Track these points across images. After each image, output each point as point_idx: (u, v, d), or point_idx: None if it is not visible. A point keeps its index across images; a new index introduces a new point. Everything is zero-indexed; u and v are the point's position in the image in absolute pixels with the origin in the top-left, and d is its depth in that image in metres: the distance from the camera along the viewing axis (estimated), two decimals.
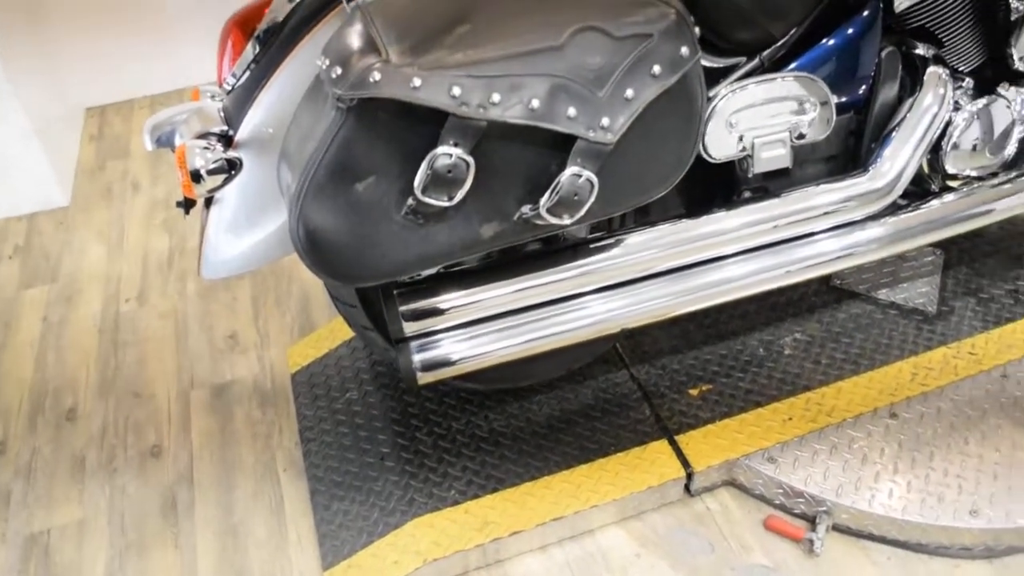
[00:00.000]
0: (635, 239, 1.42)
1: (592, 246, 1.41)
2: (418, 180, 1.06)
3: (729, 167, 1.46)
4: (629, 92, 1.07)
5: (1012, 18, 1.51)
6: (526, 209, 1.13)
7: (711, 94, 1.37)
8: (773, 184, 1.50)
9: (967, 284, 1.88)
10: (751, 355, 1.73)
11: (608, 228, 1.48)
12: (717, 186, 1.51)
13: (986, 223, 1.63)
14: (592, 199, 1.12)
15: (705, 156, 1.38)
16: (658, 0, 1.09)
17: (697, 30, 1.13)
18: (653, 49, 1.07)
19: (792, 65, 1.43)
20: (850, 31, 1.45)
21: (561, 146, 1.09)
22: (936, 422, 1.61)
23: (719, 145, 1.38)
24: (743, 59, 1.40)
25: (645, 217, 1.50)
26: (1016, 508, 1.47)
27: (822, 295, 1.86)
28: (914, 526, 1.48)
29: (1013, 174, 1.64)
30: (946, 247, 1.95)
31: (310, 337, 1.92)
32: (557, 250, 1.42)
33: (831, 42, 1.44)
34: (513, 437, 1.63)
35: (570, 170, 1.09)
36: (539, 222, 1.13)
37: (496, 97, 1.02)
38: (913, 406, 1.64)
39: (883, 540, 1.50)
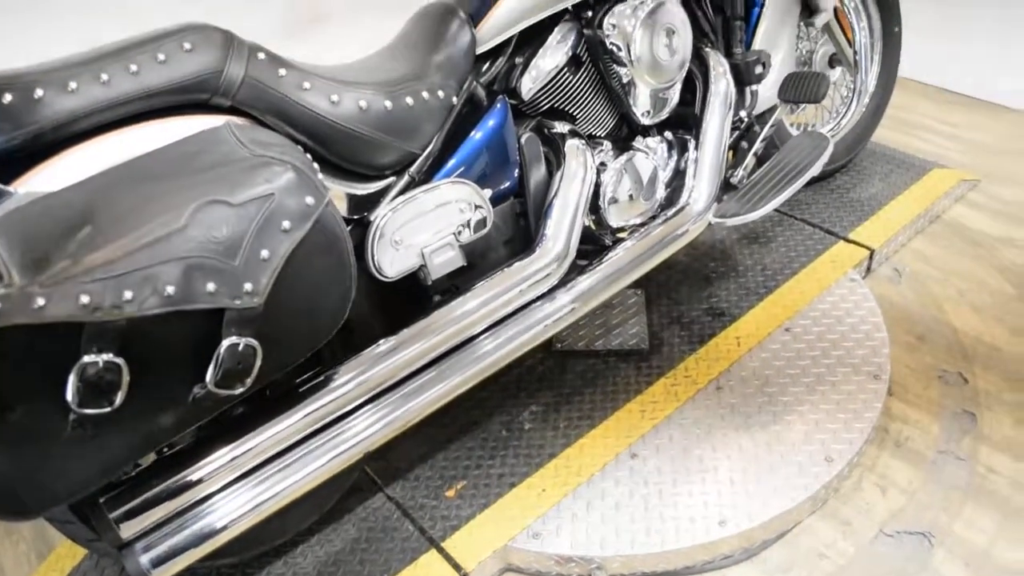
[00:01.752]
0: (344, 368, 1.44)
1: (302, 389, 1.42)
2: (70, 395, 1.02)
3: (414, 277, 1.52)
4: (264, 252, 1.09)
5: (624, 82, 1.70)
6: (197, 389, 1.12)
7: (372, 217, 1.43)
8: (460, 280, 1.58)
9: (670, 314, 2.05)
10: (496, 439, 1.79)
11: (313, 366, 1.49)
12: (411, 296, 1.56)
13: (663, 259, 1.80)
14: (259, 362, 1.13)
15: (380, 276, 1.43)
16: (274, 158, 1.13)
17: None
18: (277, 207, 1.10)
19: (442, 172, 1.52)
20: (487, 128, 1.56)
21: (212, 320, 1.09)
22: (670, 449, 1.73)
23: (391, 263, 1.44)
24: (394, 179, 1.47)
25: (351, 342, 1.52)
26: (755, 507, 1.60)
27: (547, 361, 1.97)
28: (676, 553, 1.57)
29: (672, 211, 1.82)
30: (644, 285, 2.12)
31: (49, 560, 1.76)
32: (270, 401, 1.41)
33: (472, 143, 1.55)
34: None
35: (227, 341, 1.09)
36: (214, 399, 1.12)
37: (128, 294, 1.01)
38: (649, 442, 1.75)
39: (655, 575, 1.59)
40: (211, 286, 1.06)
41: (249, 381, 1.13)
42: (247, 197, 1.09)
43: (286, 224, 1.11)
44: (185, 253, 1.05)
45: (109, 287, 1.00)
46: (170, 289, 1.03)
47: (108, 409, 1.04)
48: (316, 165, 1.22)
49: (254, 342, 1.11)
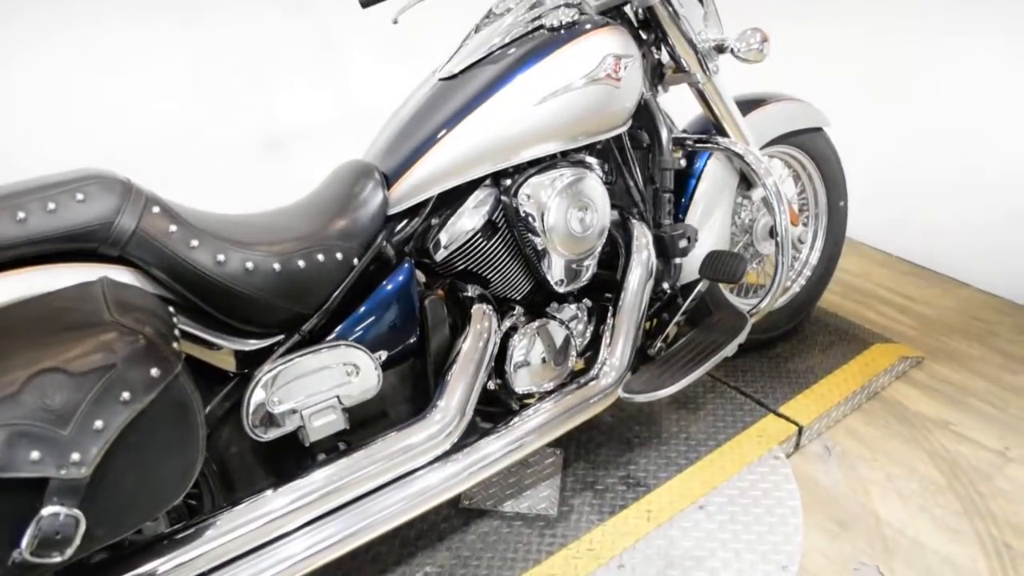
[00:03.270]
0: (221, 519, 1.40)
1: (170, 540, 1.37)
2: None
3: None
4: (98, 423, 1.08)
5: (539, 251, 1.71)
6: (16, 555, 1.08)
7: (254, 375, 1.42)
8: (349, 438, 1.55)
9: (584, 478, 2.01)
10: None
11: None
12: (296, 452, 1.54)
13: (568, 429, 1.77)
14: (82, 532, 1.09)
15: (255, 437, 1.41)
16: (126, 326, 1.13)
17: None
18: (119, 377, 1.09)
19: (337, 332, 1.51)
20: (389, 289, 1.57)
21: (36, 488, 1.06)
22: None
23: (268, 424, 1.42)
24: (283, 337, 1.46)
25: (231, 495, 1.49)
26: None
27: (451, 519, 1.91)
28: None
29: (582, 380, 1.80)
30: (565, 445, 2.08)
31: None
32: (128, 552, 1.36)
33: (372, 303, 1.55)
34: None
35: (48, 510, 1.06)
36: (30, 566, 1.09)
37: None
38: None
39: None
40: (36, 455, 1.04)
41: (69, 551, 1.10)
42: (88, 366, 1.08)
43: (125, 395, 1.09)
44: (13, 419, 1.03)
45: None
46: None
47: None
48: (177, 332, 1.22)
49: (77, 512, 1.08)
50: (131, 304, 1.18)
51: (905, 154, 3.04)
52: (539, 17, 1.71)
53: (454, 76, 1.69)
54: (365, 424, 1.56)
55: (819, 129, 2.36)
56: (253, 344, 1.43)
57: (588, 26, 1.70)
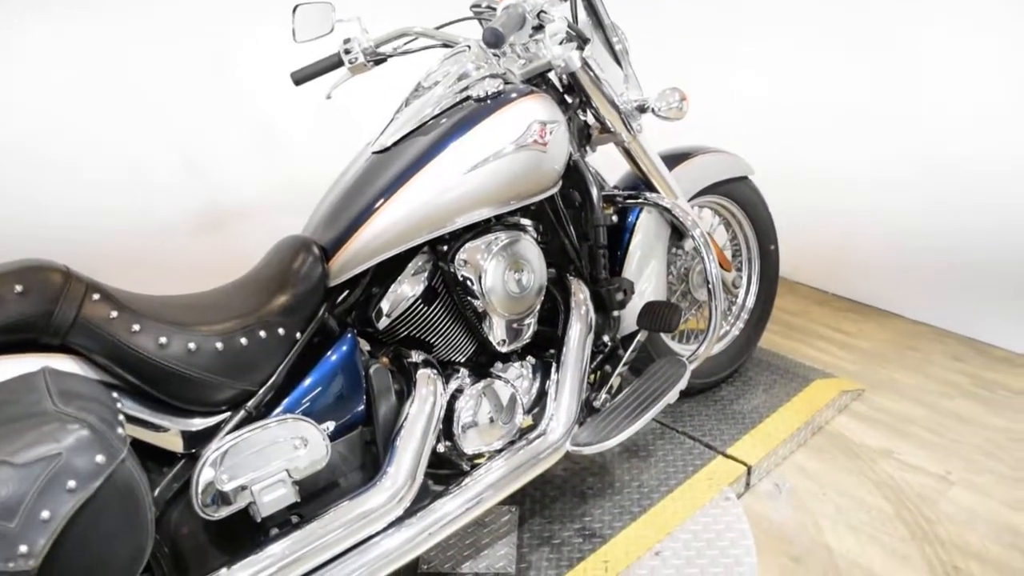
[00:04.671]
0: None
1: None
2: None
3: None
4: (45, 513, 1.08)
5: (479, 313, 1.75)
6: None
7: (202, 453, 1.43)
8: (301, 511, 1.56)
9: (540, 534, 2.03)
10: None
11: None
12: (248, 527, 1.54)
13: (519, 486, 1.80)
14: None
15: (205, 516, 1.41)
16: (70, 414, 1.14)
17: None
18: (64, 466, 1.10)
19: (282, 406, 1.53)
20: (332, 361, 1.60)
21: None
22: None
23: (217, 502, 1.42)
24: (229, 414, 1.48)
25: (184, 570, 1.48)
26: None
27: None
28: None
29: (530, 437, 1.84)
30: (520, 501, 2.10)
31: None
32: None
33: (316, 376, 1.58)
34: None
35: None
36: None
37: None
38: None
39: None
40: None
41: None
42: (33, 457, 1.09)
43: (71, 484, 1.10)
44: None
45: None
46: None
47: None
48: (123, 417, 1.23)
49: None
50: (74, 392, 1.20)
51: (831, 197, 3.17)
52: (467, 88, 1.78)
53: (387, 149, 1.75)
54: (316, 495, 1.57)
55: (744, 177, 2.46)
56: (199, 423, 1.45)
57: (514, 95, 1.78)
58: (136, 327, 1.34)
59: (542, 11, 1.73)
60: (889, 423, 2.49)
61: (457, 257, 1.72)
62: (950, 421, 2.50)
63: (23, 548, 1.07)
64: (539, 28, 1.76)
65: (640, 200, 2.12)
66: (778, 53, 3.16)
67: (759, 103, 3.24)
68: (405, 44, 2.04)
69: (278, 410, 1.52)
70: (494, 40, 1.58)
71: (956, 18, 2.65)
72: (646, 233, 2.16)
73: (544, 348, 1.95)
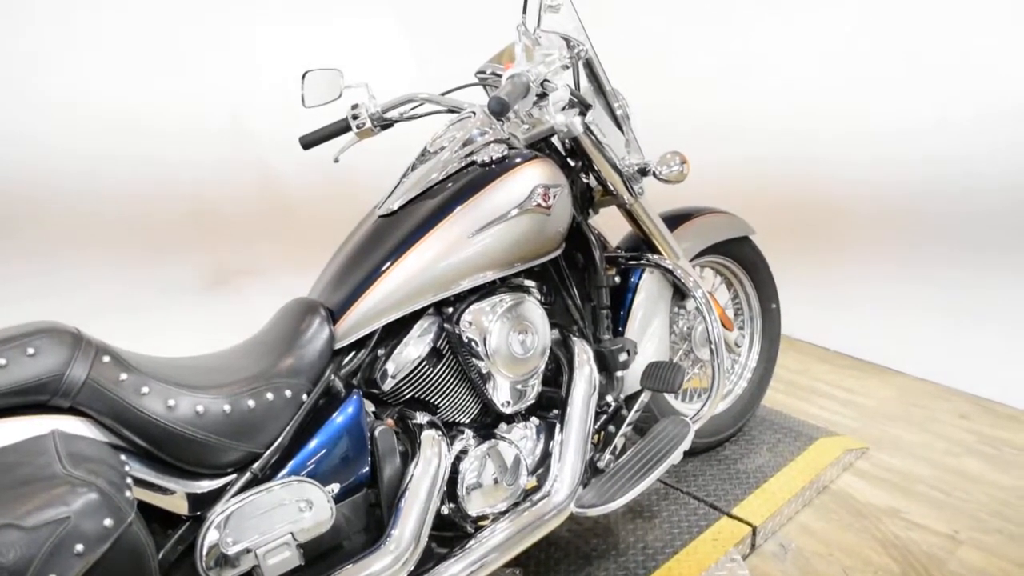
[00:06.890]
0: None
1: None
2: None
3: None
4: None
5: (484, 374, 1.77)
6: None
7: (207, 516, 1.43)
8: (308, 572, 1.55)
9: None
10: None
11: None
12: None
13: (524, 548, 1.79)
14: None
15: None
16: (79, 477, 1.15)
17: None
18: (72, 530, 1.11)
19: (288, 468, 1.54)
20: (338, 423, 1.61)
21: None
22: None
23: (222, 565, 1.42)
24: (235, 476, 1.49)
25: None
26: None
27: None
28: None
29: (535, 498, 1.84)
30: (524, 563, 2.09)
31: None
32: None
33: (322, 438, 1.58)
34: None
35: None
36: None
37: None
38: None
39: None
40: None
41: None
42: (41, 520, 1.10)
43: (79, 548, 1.11)
44: None
45: None
46: None
47: None
48: (131, 480, 1.24)
49: None
50: (83, 455, 1.21)
51: (831, 255, 3.21)
52: (472, 153, 1.82)
53: (393, 212, 1.78)
54: (321, 558, 1.57)
55: (745, 237, 2.50)
56: (205, 485, 1.45)
57: (518, 160, 1.82)
58: (145, 389, 1.36)
59: (546, 80, 1.78)
60: (895, 481, 2.48)
61: (462, 319, 1.74)
62: (957, 479, 2.49)
63: None
64: (543, 96, 1.81)
65: (642, 261, 2.15)
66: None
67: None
68: (411, 109, 2.09)
69: (283, 472, 1.53)
70: (500, 109, 1.62)
71: None
72: (649, 294, 2.19)
73: (548, 409, 1.95)
